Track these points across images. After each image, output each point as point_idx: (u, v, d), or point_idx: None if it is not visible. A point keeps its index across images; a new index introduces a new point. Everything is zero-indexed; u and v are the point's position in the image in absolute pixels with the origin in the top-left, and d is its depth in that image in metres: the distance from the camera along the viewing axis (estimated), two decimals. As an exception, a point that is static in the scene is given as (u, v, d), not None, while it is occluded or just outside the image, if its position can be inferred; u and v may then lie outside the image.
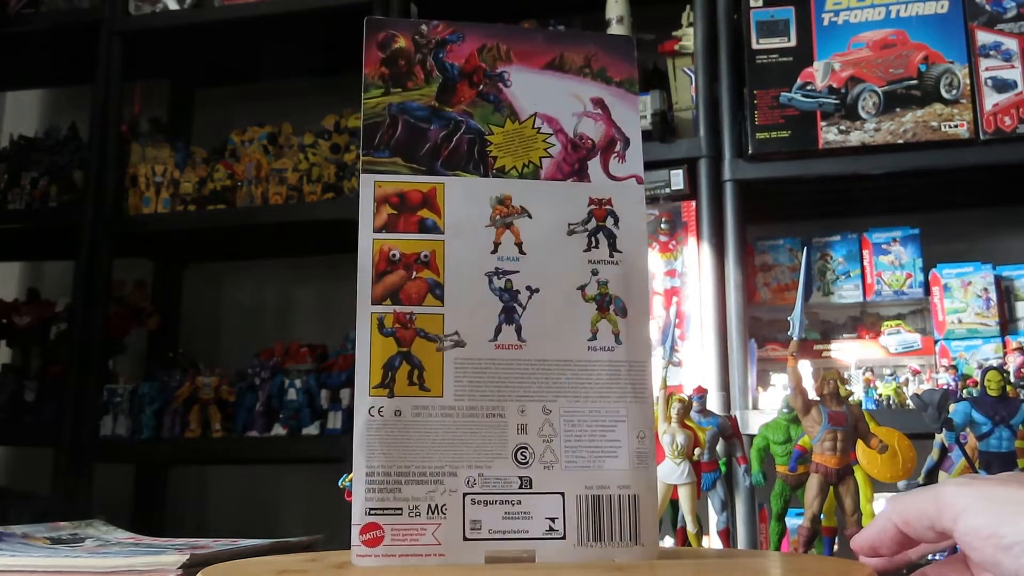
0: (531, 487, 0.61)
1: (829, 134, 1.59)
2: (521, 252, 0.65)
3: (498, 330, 0.63)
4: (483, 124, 0.67)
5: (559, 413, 0.62)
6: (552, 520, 0.60)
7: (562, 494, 0.61)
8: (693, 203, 1.64)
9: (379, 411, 0.61)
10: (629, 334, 0.64)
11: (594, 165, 0.67)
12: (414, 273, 0.63)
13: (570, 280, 0.65)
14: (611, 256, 0.65)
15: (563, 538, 0.60)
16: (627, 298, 0.65)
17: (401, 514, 0.59)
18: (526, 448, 0.61)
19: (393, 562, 0.58)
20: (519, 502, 0.60)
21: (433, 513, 0.60)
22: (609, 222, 0.66)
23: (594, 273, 0.65)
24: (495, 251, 0.64)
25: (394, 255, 0.64)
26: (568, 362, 0.63)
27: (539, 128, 0.67)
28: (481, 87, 0.68)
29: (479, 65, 0.68)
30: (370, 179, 0.64)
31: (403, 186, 0.65)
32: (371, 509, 0.59)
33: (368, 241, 0.63)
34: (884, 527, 0.56)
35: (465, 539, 0.59)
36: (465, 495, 0.60)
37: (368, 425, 0.60)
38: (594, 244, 0.65)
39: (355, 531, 0.59)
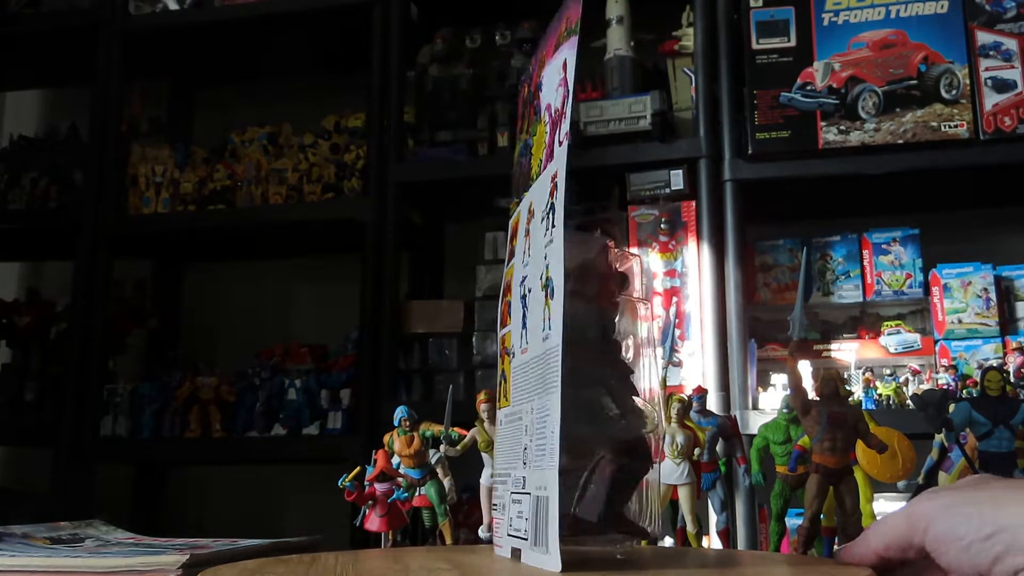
0: (525, 486, 0.61)
1: (829, 134, 1.59)
2: (529, 255, 0.65)
3: (521, 336, 0.65)
4: (532, 138, 0.70)
5: (534, 412, 0.60)
6: (525, 520, 0.60)
7: (529, 494, 0.59)
8: (693, 203, 1.64)
9: (500, 422, 0.71)
10: (554, 316, 0.57)
11: (556, 138, 0.63)
12: (506, 297, 0.71)
13: (538, 273, 0.61)
14: (550, 234, 0.59)
15: (526, 540, 0.59)
16: (555, 276, 0.57)
17: (497, 509, 0.68)
18: (527, 448, 0.61)
19: (496, 551, 0.67)
20: (521, 501, 0.61)
21: (503, 511, 0.66)
22: (555, 196, 0.60)
23: (544, 258, 0.60)
24: (523, 260, 0.66)
25: (505, 284, 0.72)
26: (536, 359, 0.60)
27: (545, 120, 0.67)
28: (535, 102, 0.71)
29: (536, 83, 0.71)
30: (510, 223, 0.73)
31: (514, 222, 0.73)
32: (493, 505, 0.70)
33: (504, 276, 0.72)
34: (863, 555, 0.57)
35: (507, 535, 0.63)
36: (511, 494, 0.64)
37: (497, 435, 0.71)
38: (547, 227, 0.60)
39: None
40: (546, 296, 0.59)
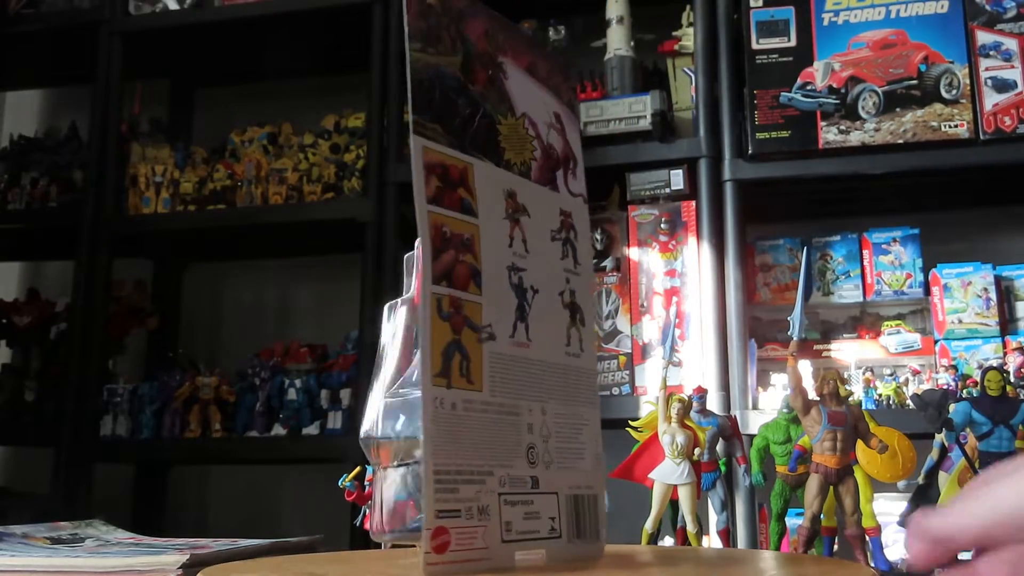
0: (538, 487, 0.61)
1: (829, 134, 1.59)
2: (526, 250, 0.64)
3: (515, 326, 0.61)
4: (494, 112, 0.64)
5: (551, 414, 0.63)
6: (552, 519, 0.60)
7: (556, 494, 0.61)
8: (693, 203, 1.64)
9: (441, 403, 0.54)
10: (587, 343, 0.67)
11: (560, 177, 0.69)
12: (459, 256, 0.58)
13: (555, 285, 0.66)
14: (575, 268, 0.68)
15: (560, 537, 0.60)
16: (585, 309, 0.68)
17: (460, 516, 0.54)
18: (534, 447, 0.61)
19: (458, 569, 0.53)
20: (532, 502, 0.60)
21: (481, 515, 0.55)
22: (571, 235, 0.68)
23: (567, 282, 0.67)
24: (511, 245, 0.62)
25: (445, 232, 0.57)
26: (555, 365, 0.64)
27: (527, 130, 0.67)
28: (490, 72, 0.64)
29: (487, 49, 0.64)
30: (419, 142, 0.57)
31: (445, 158, 0.59)
32: (440, 512, 0.53)
33: (424, 212, 0.56)
34: (961, 527, 0.45)
35: (503, 541, 0.56)
36: (500, 495, 0.57)
37: (435, 419, 0.54)
38: (565, 254, 0.67)
39: (425, 536, 0.52)
40: (572, 318, 0.66)
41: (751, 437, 0.98)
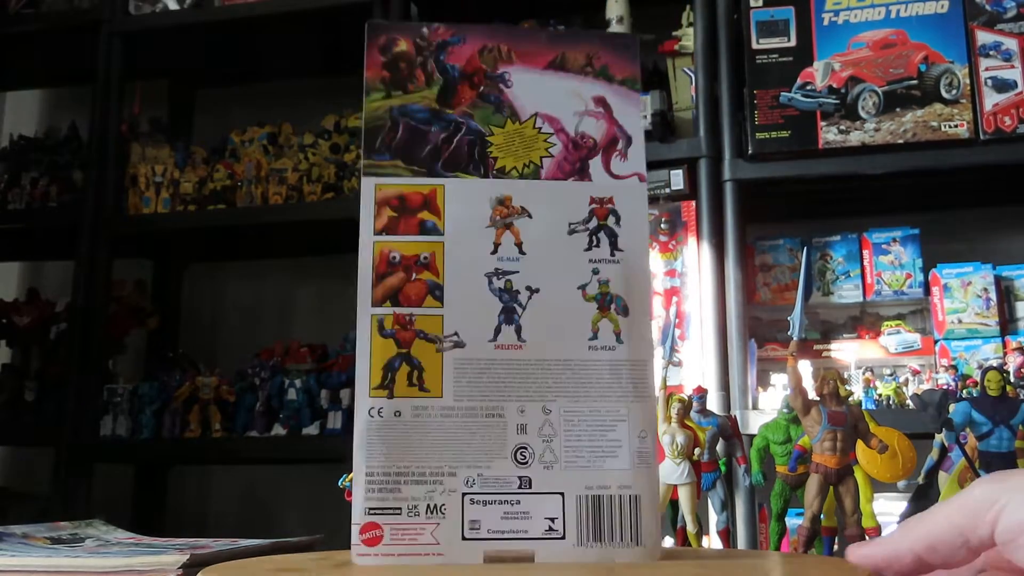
0: (530, 487, 0.61)
1: (829, 134, 1.59)
2: (521, 252, 0.65)
3: (497, 330, 0.63)
4: (484, 125, 0.67)
5: (559, 413, 0.62)
6: (552, 520, 0.60)
7: (562, 494, 0.61)
8: (693, 203, 1.64)
9: (379, 412, 0.61)
10: (631, 333, 0.64)
11: (595, 164, 0.67)
12: (414, 275, 0.64)
13: (571, 279, 0.64)
14: (612, 255, 0.65)
15: (563, 538, 0.60)
16: (628, 297, 0.64)
17: (400, 514, 0.60)
18: (526, 448, 0.61)
19: (392, 561, 0.59)
20: (518, 502, 0.60)
21: (432, 513, 0.60)
22: (611, 220, 0.66)
23: (595, 272, 0.65)
24: (495, 252, 0.64)
25: (394, 257, 0.64)
26: (568, 361, 0.63)
27: (540, 128, 0.67)
28: (482, 88, 0.68)
29: (480, 67, 0.68)
30: (371, 182, 0.65)
31: (403, 188, 0.65)
32: (371, 509, 0.60)
33: (368, 243, 0.64)
34: (898, 553, 0.47)
35: (464, 539, 0.60)
36: (464, 495, 0.60)
37: (368, 425, 0.61)
38: (595, 243, 0.65)
39: (355, 530, 0.59)
40: (603, 309, 0.64)
41: (751, 437, 0.98)
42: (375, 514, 0.59)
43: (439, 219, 0.65)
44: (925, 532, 0.46)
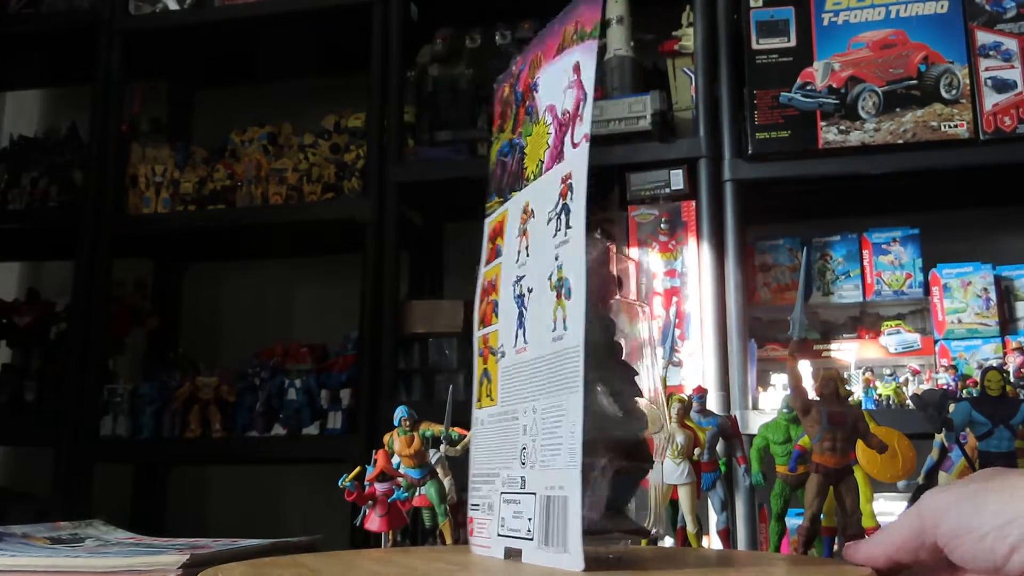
0: (524, 487, 0.61)
1: (829, 134, 1.59)
2: (528, 255, 0.65)
3: (517, 336, 0.64)
4: (525, 138, 0.69)
5: (540, 411, 0.60)
6: (530, 520, 0.59)
7: (534, 494, 0.59)
8: (693, 203, 1.64)
9: (480, 422, 0.69)
10: (571, 316, 0.57)
11: (567, 140, 0.62)
12: (487, 297, 0.70)
13: (546, 272, 0.61)
14: (565, 235, 0.59)
15: (532, 540, 0.59)
16: (571, 276, 0.57)
17: (479, 509, 0.67)
18: (526, 448, 0.61)
19: (477, 550, 0.67)
20: (520, 501, 0.61)
21: (490, 510, 0.65)
22: (569, 197, 0.60)
23: (556, 259, 0.60)
24: (517, 259, 0.66)
25: (485, 284, 0.71)
26: (543, 358, 0.60)
27: (546, 121, 0.66)
28: (526, 103, 0.70)
29: (527, 82, 0.71)
30: (487, 223, 0.73)
31: (495, 221, 0.72)
32: (472, 505, 0.68)
33: (481, 277, 0.72)
34: (871, 557, 0.55)
35: (498, 535, 0.63)
36: (501, 494, 0.63)
37: (474, 435, 0.70)
38: (558, 227, 0.60)
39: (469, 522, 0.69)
40: (559, 296, 0.58)
41: (751, 437, 0.98)
42: (473, 510, 0.68)
43: (503, 241, 0.69)
44: (892, 536, 0.54)
